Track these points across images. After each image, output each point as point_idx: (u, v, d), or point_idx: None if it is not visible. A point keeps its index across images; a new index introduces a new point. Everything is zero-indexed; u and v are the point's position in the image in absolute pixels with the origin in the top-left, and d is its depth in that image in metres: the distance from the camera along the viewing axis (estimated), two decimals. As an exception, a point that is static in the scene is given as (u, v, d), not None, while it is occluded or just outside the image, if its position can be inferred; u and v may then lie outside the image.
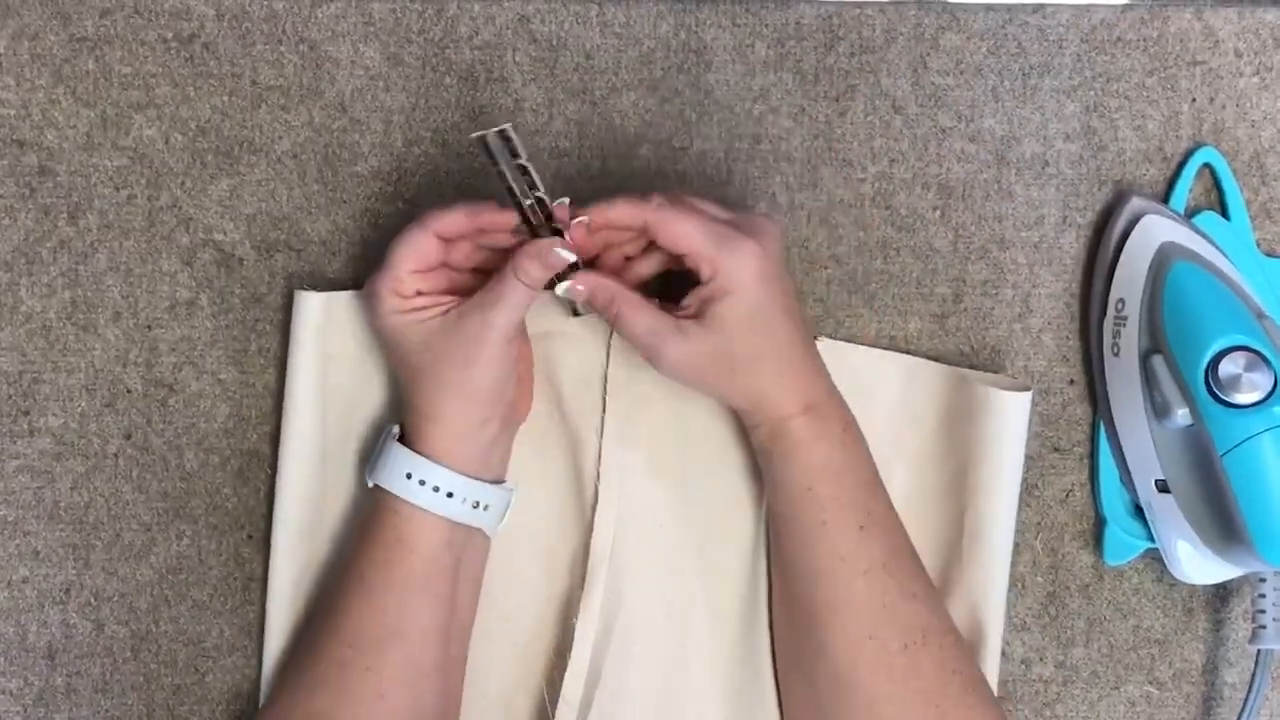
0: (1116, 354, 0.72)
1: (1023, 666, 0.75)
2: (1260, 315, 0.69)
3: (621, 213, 0.65)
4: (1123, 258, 0.72)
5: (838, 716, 0.66)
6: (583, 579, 0.71)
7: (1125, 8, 0.75)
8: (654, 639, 0.72)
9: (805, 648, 0.68)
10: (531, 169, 0.64)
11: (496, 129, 0.64)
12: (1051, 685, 0.75)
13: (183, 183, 0.74)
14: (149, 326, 0.74)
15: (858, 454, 0.68)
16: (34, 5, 0.73)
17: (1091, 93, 0.75)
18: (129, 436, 0.74)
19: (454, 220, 0.65)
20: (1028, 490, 0.74)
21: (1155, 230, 0.72)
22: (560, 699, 0.70)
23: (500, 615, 0.72)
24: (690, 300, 0.66)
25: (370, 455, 0.68)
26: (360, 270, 0.74)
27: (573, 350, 0.72)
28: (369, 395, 0.73)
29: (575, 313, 0.71)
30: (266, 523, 0.73)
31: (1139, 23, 0.75)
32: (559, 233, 0.65)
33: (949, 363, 0.74)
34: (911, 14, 0.75)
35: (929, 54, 0.75)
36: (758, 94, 0.74)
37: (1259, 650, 0.70)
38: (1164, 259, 0.71)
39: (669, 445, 0.73)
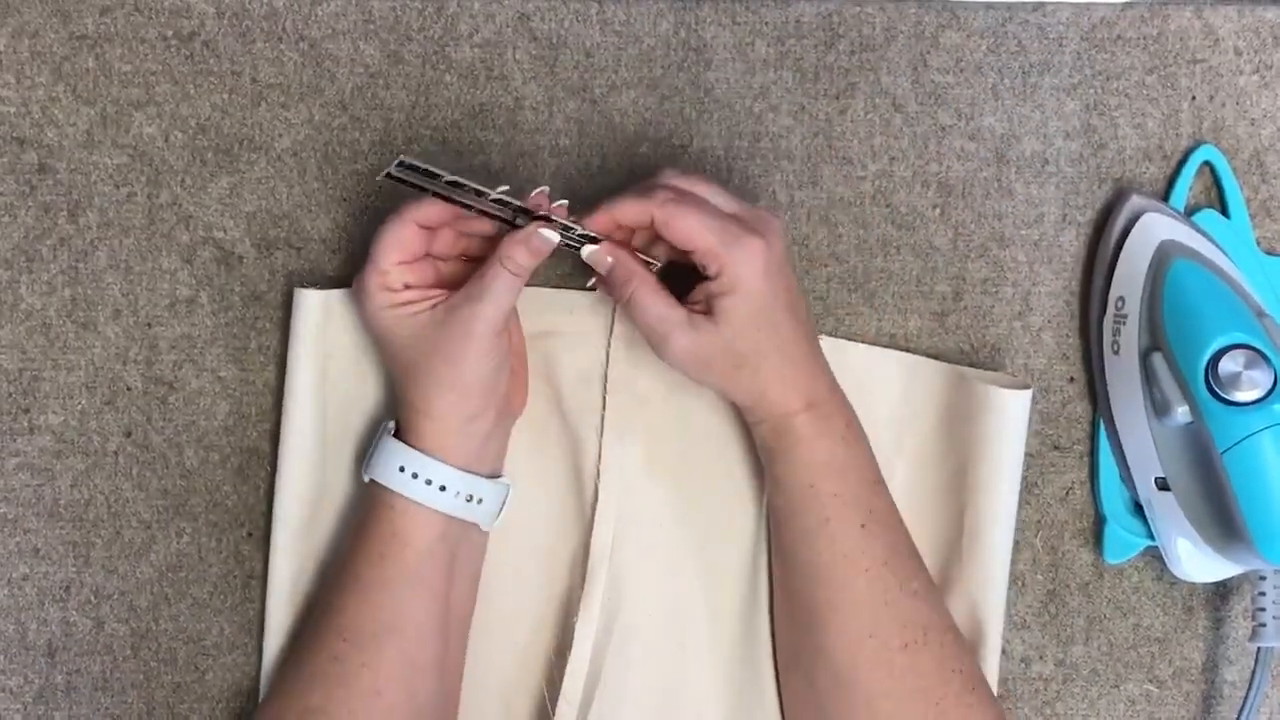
0: (1116, 352, 0.72)
1: (1023, 664, 0.75)
2: (1260, 313, 0.69)
3: (627, 212, 0.65)
4: (1123, 256, 0.72)
5: (837, 714, 0.66)
6: (583, 578, 0.71)
7: (1125, 6, 0.75)
8: (654, 638, 0.72)
9: (805, 645, 0.68)
10: (464, 179, 0.63)
11: (395, 163, 0.61)
12: (1051, 683, 0.75)
13: (183, 180, 0.74)
14: (149, 324, 0.74)
15: (860, 451, 0.68)
16: (34, 3, 0.73)
17: (1091, 91, 0.75)
18: (129, 434, 0.73)
19: (433, 208, 0.65)
20: (1028, 488, 0.74)
21: (1155, 228, 0.72)
22: (560, 698, 0.70)
23: (500, 614, 0.72)
24: (698, 295, 0.66)
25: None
26: (360, 268, 0.73)
27: (572, 350, 0.72)
28: (369, 392, 0.73)
29: (589, 287, 0.70)
30: (266, 520, 0.73)
31: (1139, 21, 0.75)
32: (544, 221, 0.65)
33: (949, 361, 0.74)
34: (911, 12, 0.74)
35: (929, 52, 0.75)
36: (758, 92, 0.74)
37: (1259, 648, 0.70)
38: (1164, 257, 0.71)
39: (669, 444, 0.73)
